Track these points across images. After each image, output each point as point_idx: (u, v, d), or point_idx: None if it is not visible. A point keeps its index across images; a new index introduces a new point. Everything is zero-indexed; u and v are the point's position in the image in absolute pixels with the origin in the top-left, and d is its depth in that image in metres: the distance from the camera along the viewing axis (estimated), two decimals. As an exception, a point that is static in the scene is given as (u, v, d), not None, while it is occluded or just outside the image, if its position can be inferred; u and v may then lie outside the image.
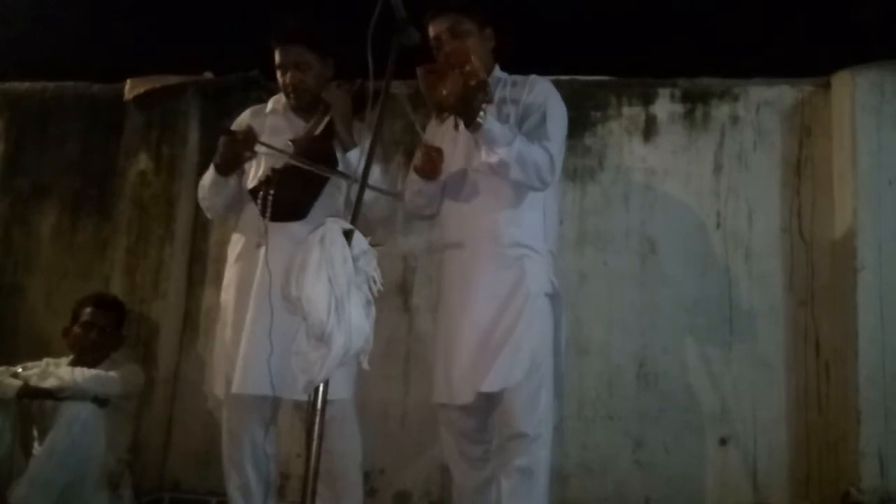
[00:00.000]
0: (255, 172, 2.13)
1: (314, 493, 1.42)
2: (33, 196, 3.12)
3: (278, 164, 2.03)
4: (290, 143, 2.05)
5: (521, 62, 2.86)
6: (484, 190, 1.99)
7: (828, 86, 2.67)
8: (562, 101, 2.05)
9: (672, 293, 2.64)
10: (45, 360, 2.52)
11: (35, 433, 2.37)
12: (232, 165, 2.07)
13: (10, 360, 2.53)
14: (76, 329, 2.52)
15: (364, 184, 1.57)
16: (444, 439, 2.07)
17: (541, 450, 1.87)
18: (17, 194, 3.14)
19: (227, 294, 2.14)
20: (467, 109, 1.83)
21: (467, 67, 1.82)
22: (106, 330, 2.54)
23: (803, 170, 2.67)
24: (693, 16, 3.38)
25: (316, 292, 1.44)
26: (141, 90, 2.99)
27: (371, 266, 1.54)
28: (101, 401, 2.34)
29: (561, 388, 2.03)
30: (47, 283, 3.03)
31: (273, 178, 1.98)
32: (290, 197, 2.00)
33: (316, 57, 2.13)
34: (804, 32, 3.26)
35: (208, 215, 2.29)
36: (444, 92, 1.84)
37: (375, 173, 2.02)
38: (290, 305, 1.48)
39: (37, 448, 2.31)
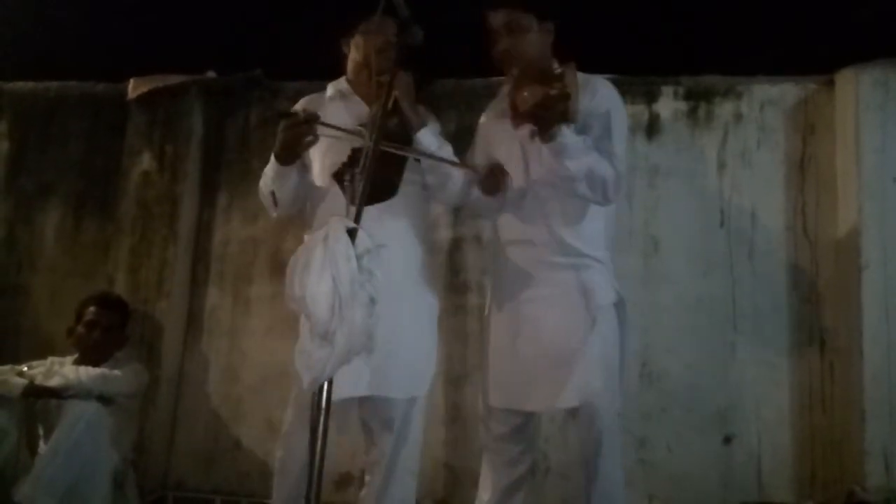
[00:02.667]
0: (320, 166, 2.00)
1: (318, 492, 1.43)
2: (37, 196, 3.13)
3: (356, 144, 1.81)
4: (360, 128, 1.92)
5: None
6: (548, 198, 1.92)
7: (831, 84, 2.66)
8: (623, 107, 2.00)
9: (675, 292, 2.64)
10: (50, 358, 2.53)
11: (40, 432, 2.37)
12: (295, 151, 1.92)
13: (15, 360, 2.54)
14: (80, 328, 2.53)
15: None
16: (484, 438, 2.04)
17: (616, 458, 1.90)
18: (20, 194, 3.15)
19: None
20: (545, 122, 1.77)
21: (554, 88, 1.72)
22: (110, 329, 2.55)
23: (807, 168, 2.66)
24: (696, 14, 3.37)
25: (319, 291, 1.43)
26: (144, 90, 3.00)
27: (374, 264, 1.54)
28: (105, 400, 2.35)
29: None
30: (51, 282, 3.04)
31: (355, 160, 1.73)
32: (380, 175, 1.73)
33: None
34: (807, 30, 3.25)
35: (272, 214, 2.07)
36: (525, 97, 1.76)
37: (447, 154, 1.98)
38: (294, 304, 1.48)
39: (42, 447, 2.32)
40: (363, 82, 2.03)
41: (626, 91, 2.78)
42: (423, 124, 1.98)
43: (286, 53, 3.31)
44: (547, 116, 1.75)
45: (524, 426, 2.00)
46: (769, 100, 2.71)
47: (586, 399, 1.85)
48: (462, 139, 2.23)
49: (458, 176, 2.03)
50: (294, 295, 1.47)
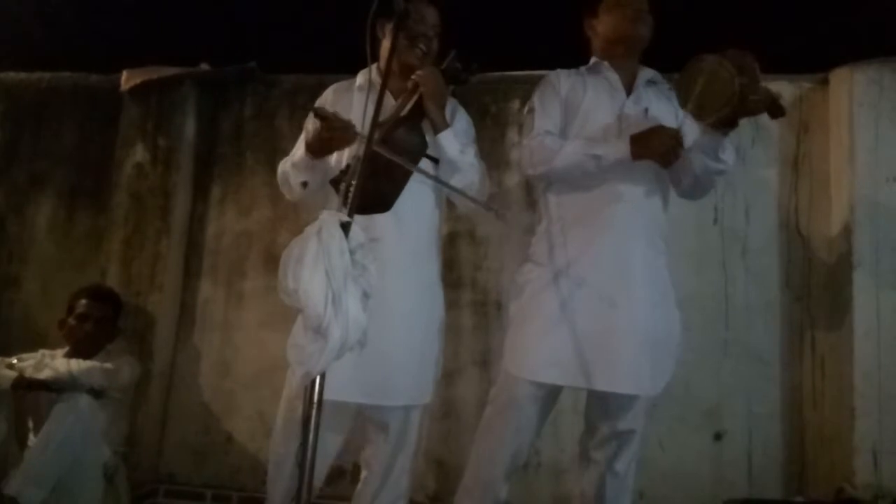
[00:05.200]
0: (337, 157, 1.93)
1: (310, 485, 1.43)
2: (29, 187, 3.11)
3: (361, 152, 1.76)
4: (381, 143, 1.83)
5: (515, 59, 2.86)
6: (651, 182, 1.94)
7: (826, 83, 2.67)
8: None
9: (669, 288, 2.64)
10: (41, 351, 2.52)
11: (30, 425, 2.36)
12: (329, 152, 1.88)
13: (6, 352, 2.53)
14: (71, 321, 2.52)
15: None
16: (512, 419, 1.91)
17: (638, 446, 1.94)
18: (13, 185, 3.13)
19: None
20: (744, 113, 1.81)
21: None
22: (101, 322, 2.53)
23: (801, 166, 2.67)
24: (692, 12, 3.37)
25: (313, 285, 1.43)
26: (137, 81, 2.98)
27: (368, 259, 1.54)
28: (96, 392, 2.33)
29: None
30: (43, 274, 3.02)
31: (355, 169, 1.71)
32: (374, 188, 1.72)
33: None
34: (803, 30, 3.25)
35: (291, 197, 2.02)
36: (754, 96, 1.76)
37: (470, 158, 1.91)
38: (288, 298, 1.48)
39: (32, 440, 2.31)
40: (393, 74, 1.85)
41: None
42: (444, 126, 1.88)
43: (281, 46, 3.29)
44: (750, 109, 1.78)
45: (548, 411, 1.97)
46: (764, 98, 2.71)
47: (654, 390, 1.87)
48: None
49: (482, 182, 1.96)
50: (287, 288, 1.46)
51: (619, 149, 1.87)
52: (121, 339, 2.63)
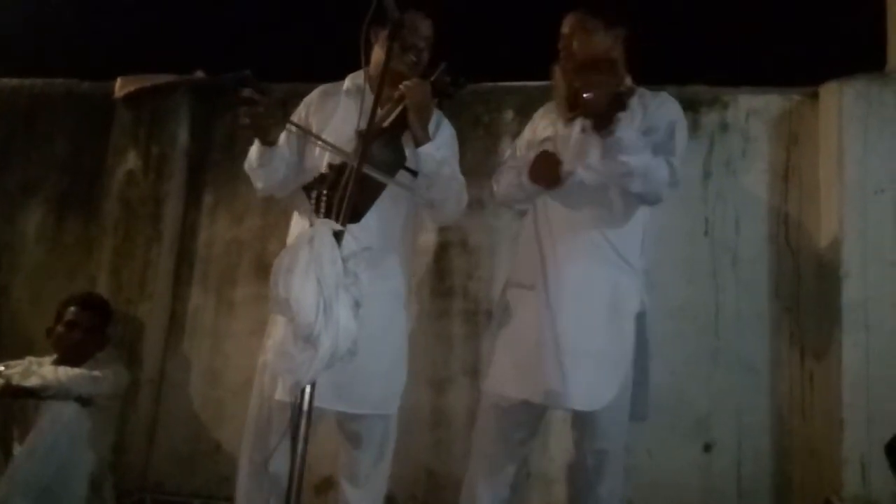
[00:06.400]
0: (310, 166, 1.95)
1: (298, 498, 1.42)
2: (20, 194, 3.10)
3: (336, 160, 1.79)
4: (357, 134, 1.85)
5: (507, 68, 2.87)
6: (590, 196, 1.91)
7: (815, 96, 2.69)
8: (685, 123, 2.02)
9: (660, 298, 2.64)
10: (28, 358, 2.50)
11: (15, 433, 2.34)
12: (260, 135, 1.90)
13: (-7, 359, 2.51)
14: (60, 328, 2.50)
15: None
16: (486, 430, 2.00)
17: (619, 466, 1.93)
18: (3, 192, 3.11)
19: None
20: (606, 115, 1.80)
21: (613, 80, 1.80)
22: (90, 330, 2.52)
23: (790, 178, 2.69)
24: (685, 24, 3.41)
25: (304, 293, 1.43)
26: (131, 89, 2.96)
27: (360, 267, 1.54)
28: (84, 400, 2.32)
29: (645, 411, 2.01)
30: (33, 282, 3.00)
31: (328, 177, 1.73)
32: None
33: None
34: (793, 43, 3.29)
35: (257, 184, 2.04)
36: (586, 95, 1.79)
37: (449, 172, 1.92)
38: (279, 306, 1.47)
39: (17, 448, 2.29)
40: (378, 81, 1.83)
41: (613, 99, 2.82)
42: (425, 140, 1.88)
43: (276, 54, 3.30)
44: (609, 113, 1.79)
45: (537, 416, 1.99)
46: (754, 110, 2.74)
47: (590, 406, 1.85)
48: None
49: (460, 197, 1.98)
50: (278, 297, 1.46)
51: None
52: (110, 348, 2.61)
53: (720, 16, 3.41)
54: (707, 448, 2.56)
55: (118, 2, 3.36)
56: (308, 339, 1.43)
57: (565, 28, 1.99)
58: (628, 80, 2.02)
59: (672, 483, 2.54)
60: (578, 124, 1.92)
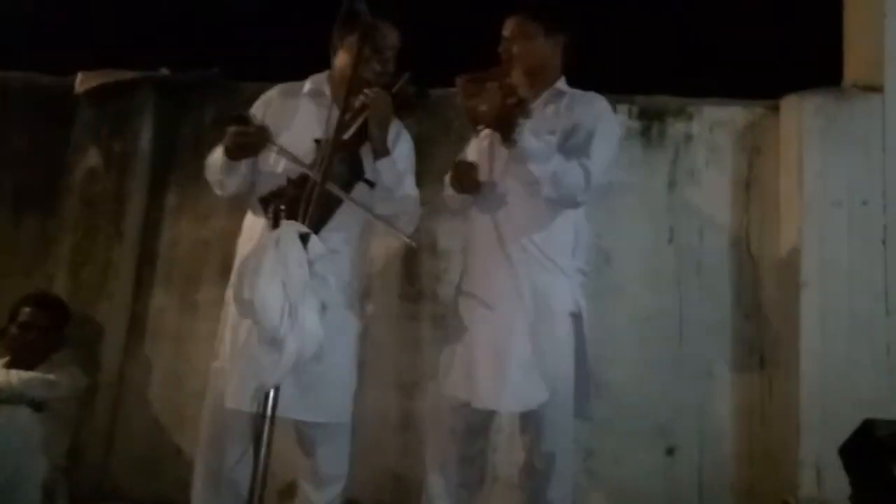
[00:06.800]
0: (272, 167, 1.93)
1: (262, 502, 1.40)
2: (-26, 189, 2.99)
3: (294, 174, 1.81)
4: (315, 143, 1.86)
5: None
6: (516, 202, 1.95)
7: (777, 109, 2.76)
8: (617, 124, 2.04)
9: (625, 305, 2.68)
10: (-21, 360, 2.41)
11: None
12: (244, 156, 1.89)
13: (-58, 361, 2.41)
14: (13, 329, 2.42)
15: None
16: (440, 440, 2.03)
17: (567, 469, 1.96)
18: (-43, 187, 3.00)
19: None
20: (503, 126, 1.81)
21: (507, 81, 1.80)
22: (45, 331, 2.44)
23: (752, 188, 2.75)
24: (652, 36, 3.47)
25: (269, 296, 1.41)
26: (93, 84, 2.90)
27: (328, 269, 1.52)
28: (37, 405, 2.25)
29: (588, 410, 2.04)
30: (-14, 280, 2.90)
31: (287, 192, 1.74)
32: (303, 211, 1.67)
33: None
34: (756, 57, 3.38)
35: (217, 192, 2.05)
36: (482, 107, 1.81)
37: (405, 187, 1.96)
38: (242, 308, 1.45)
39: (-33, 454, 2.20)
40: (343, 87, 1.84)
41: (582, 107, 2.85)
42: (385, 153, 1.89)
43: (245, 53, 3.26)
44: (506, 122, 1.80)
45: (487, 425, 2.02)
46: (718, 122, 2.80)
47: (521, 407, 1.87)
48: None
49: (413, 212, 2.01)
50: (243, 298, 1.44)
51: None
52: (66, 350, 2.54)
53: (689, 28, 3.48)
54: (670, 452, 2.60)
55: (81, -6, 3.29)
56: (273, 342, 1.41)
57: (506, 31, 2.00)
58: (562, 83, 2.05)
59: (637, 487, 2.57)
60: (485, 135, 1.97)
